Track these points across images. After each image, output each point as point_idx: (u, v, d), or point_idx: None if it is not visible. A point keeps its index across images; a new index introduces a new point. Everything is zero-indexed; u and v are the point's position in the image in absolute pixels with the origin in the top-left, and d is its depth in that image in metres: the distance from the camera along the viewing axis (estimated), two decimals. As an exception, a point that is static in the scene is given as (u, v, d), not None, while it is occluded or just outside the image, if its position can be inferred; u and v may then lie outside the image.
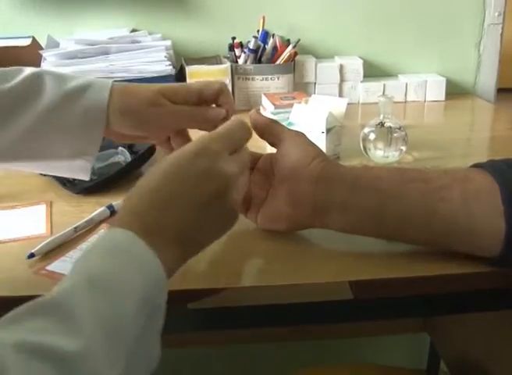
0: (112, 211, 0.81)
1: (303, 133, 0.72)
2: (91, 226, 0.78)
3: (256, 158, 0.75)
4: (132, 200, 0.56)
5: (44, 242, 0.72)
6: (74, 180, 0.92)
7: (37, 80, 0.72)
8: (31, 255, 0.69)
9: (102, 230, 0.51)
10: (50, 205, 0.86)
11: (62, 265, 0.69)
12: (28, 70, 0.73)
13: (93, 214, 0.79)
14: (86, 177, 0.78)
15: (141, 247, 0.51)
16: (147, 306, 0.49)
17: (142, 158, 0.97)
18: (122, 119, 0.73)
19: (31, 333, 0.41)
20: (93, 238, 0.75)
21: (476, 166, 0.67)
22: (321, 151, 0.70)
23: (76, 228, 0.75)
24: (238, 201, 0.62)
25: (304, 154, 0.69)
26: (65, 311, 0.43)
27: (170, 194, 0.55)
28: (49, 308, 0.43)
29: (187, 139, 0.79)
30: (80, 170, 0.77)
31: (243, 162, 0.62)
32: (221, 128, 0.61)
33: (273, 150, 0.73)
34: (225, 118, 0.76)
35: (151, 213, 0.54)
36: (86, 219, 0.78)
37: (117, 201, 0.83)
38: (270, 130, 0.72)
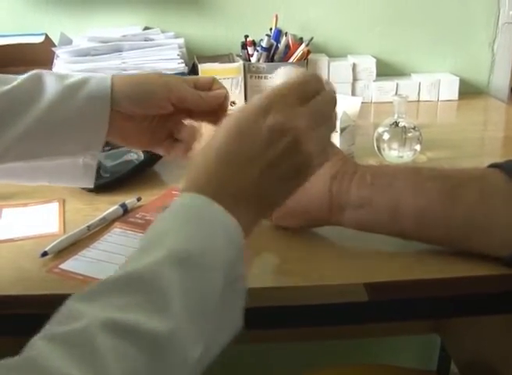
0: (125, 209, 0.81)
1: None
2: (104, 225, 0.77)
3: None
4: (199, 162, 0.53)
5: (57, 240, 0.71)
6: (87, 177, 0.92)
7: (37, 80, 0.71)
8: (44, 254, 0.69)
9: (175, 198, 0.50)
10: (63, 202, 0.86)
11: (75, 263, 0.68)
12: (27, 74, 0.72)
13: (106, 212, 0.79)
14: (90, 184, 0.76)
15: (221, 213, 0.49)
16: (232, 277, 0.47)
17: (155, 156, 0.96)
18: (129, 91, 0.71)
19: (120, 310, 0.40)
20: (106, 237, 0.74)
21: (493, 165, 0.67)
22: (339, 149, 0.71)
23: (89, 227, 0.75)
24: (315, 153, 0.55)
25: None
26: (154, 288, 0.42)
27: (237, 154, 0.52)
28: (137, 284, 0.42)
29: (194, 129, 0.76)
30: (83, 175, 0.75)
31: (317, 112, 0.55)
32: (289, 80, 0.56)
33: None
34: (225, 99, 0.74)
35: (220, 174, 0.51)
36: (99, 217, 0.77)
37: (130, 199, 0.83)
38: None
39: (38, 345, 0.38)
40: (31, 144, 0.70)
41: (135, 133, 0.75)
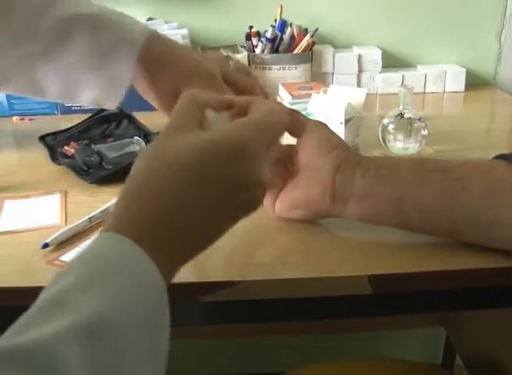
0: (127, 201, 0.80)
1: (324, 123, 0.72)
2: (106, 217, 0.77)
3: None
4: (140, 201, 0.45)
5: (59, 232, 0.71)
6: (89, 169, 0.91)
7: (66, 33, 0.70)
8: (45, 245, 0.69)
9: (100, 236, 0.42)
10: (65, 194, 0.85)
11: (76, 255, 0.68)
12: (55, 17, 0.70)
13: (108, 204, 0.78)
14: (113, 106, 0.76)
15: (151, 270, 0.41)
16: (154, 339, 0.40)
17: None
18: (148, 73, 0.72)
19: None
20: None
21: (499, 157, 0.66)
22: (343, 141, 0.71)
23: (90, 218, 0.75)
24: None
25: (327, 142, 0.68)
26: (46, 363, 0.32)
27: (189, 203, 0.45)
28: (31, 361, 0.32)
29: None
30: (111, 96, 0.74)
31: (274, 159, 0.55)
32: (262, 116, 0.52)
33: (289, 140, 0.72)
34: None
35: (164, 226, 0.44)
36: (101, 209, 0.77)
37: (132, 191, 0.82)
38: (292, 120, 0.72)
39: None
40: (57, 87, 0.73)
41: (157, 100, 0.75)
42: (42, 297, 0.38)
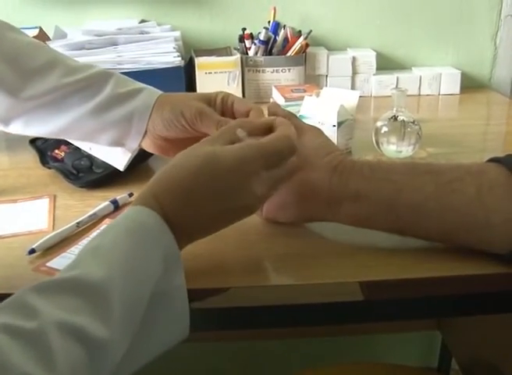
0: (116, 206, 0.79)
1: (320, 129, 0.72)
2: (94, 221, 0.76)
3: None
4: (161, 190, 0.58)
5: (45, 238, 0.70)
6: (78, 173, 0.90)
7: (101, 81, 0.80)
8: (32, 251, 0.68)
9: (129, 208, 0.57)
10: (53, 199, 0.84)
11: (62, 261, 0.67)
12: (97, 69, 0.82)
13: (96, 209, 0.77)
14: (120, 166, 0.85)
15: (168, 234, 0.55)
16: (160, 290, 0.53)
17: (147, 152, 0.95)
18: (164, 116, 0.76)
19: (71, 313, 0.44)
20: (96, 234, 0.72)
21: (493, 160, 0.65)
22: (337, 147, 0.71)
23: (78, 223, 0.74)
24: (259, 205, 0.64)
25: (322, 147, 0.69)
26: (101, 296, 0.46)
27: (198, 195, 0.58)
28: (87, 290, 0.46)
29: None
30: (118, 157, 0.84)
31: (278, 179, 0.63)
32: (269, 143, 0.61)
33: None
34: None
35: (176, 206, 0.57)
36: (89, 213, 0.76)
37: (121, 195, 0.81)
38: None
39: None
40: (73, 130, 0.81)
41: (171, 147, 0.79)
42: (81, 252, 0.52)
